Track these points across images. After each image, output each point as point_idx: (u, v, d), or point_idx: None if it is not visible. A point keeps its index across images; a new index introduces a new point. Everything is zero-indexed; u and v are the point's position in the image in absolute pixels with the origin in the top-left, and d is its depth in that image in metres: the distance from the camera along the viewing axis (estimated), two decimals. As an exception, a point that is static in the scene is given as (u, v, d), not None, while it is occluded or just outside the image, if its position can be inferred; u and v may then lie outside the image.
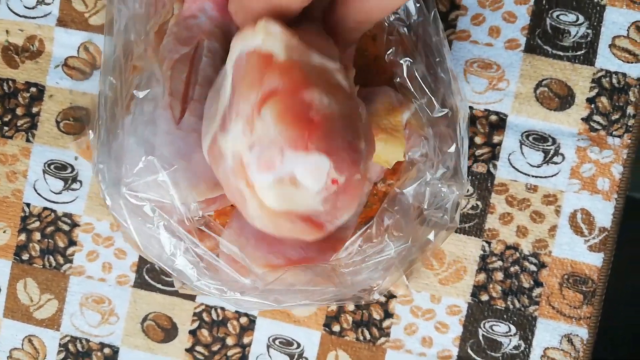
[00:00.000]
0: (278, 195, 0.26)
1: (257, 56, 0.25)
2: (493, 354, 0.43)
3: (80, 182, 0.46)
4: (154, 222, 0.30)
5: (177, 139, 0.30)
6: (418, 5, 0.34)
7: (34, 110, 0.46)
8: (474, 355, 0.43)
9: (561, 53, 0.43)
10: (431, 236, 0.31)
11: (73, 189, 0.46)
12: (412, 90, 0.31)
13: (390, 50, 0.31)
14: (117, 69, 0.33)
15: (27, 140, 0.46)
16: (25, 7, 0.46)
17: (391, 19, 0.33)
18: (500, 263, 0.43)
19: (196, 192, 0.30)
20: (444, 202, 0.31)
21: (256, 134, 0.25)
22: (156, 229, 0.31)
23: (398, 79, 0.31)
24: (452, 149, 0.31)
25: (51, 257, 0.46)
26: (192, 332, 0.45)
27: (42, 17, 0.46)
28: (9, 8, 0.47)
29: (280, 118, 0.25)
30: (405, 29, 0.33)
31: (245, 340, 0.45)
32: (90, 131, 0.34)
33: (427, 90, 0.31)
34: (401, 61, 0.31)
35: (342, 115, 0.26)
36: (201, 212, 0.31)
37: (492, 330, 0.43)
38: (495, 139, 0.44)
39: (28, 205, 0.46)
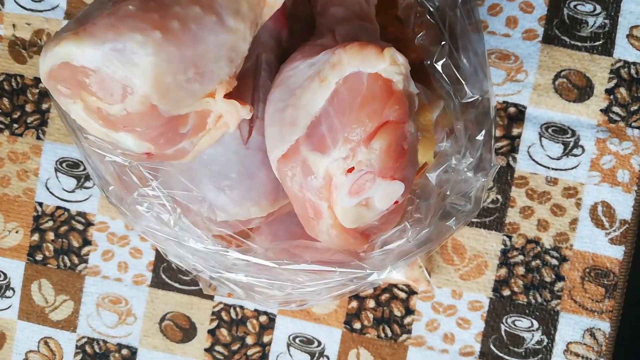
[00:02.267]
0: (354, 215, 0.27)
1: (381, 83, 0.26)
2: (516, 349, 0.43)
3: (94, 181, 0.45)
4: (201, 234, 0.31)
5: (245, 159, 0.31)
6: None
7: (44, 106, 0.46)
8: (496, 351, 0.43)
9: (579, 43, 0.43)
10: (452, 223, 0.31)
11: (86, 187, 0.45)
12: (444, 76, 0.30)
13: (421, 34, 0.31)
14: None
15: (38, 138, 0.46)
16: (32, 0, 0.45)
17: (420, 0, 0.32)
18: (521, 257, 0.43)
19: (258, 208, 0.31)
20: (468, 189, 0.31)
21: (356, 160, 0.27)
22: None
23: (428, 63, 0.30)
24: (481, 136, 0.31)
25: (66, 257, 0.46)
26: (211, 332, 0.45)
27: (49, 10, 0.45)
28: (15, 1, 0.46)
29: (387, 150, 0.26)
30: (434, 10, 0.32)
31: (265, 339, 0.44)
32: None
33: (458, 75, 0.30)
34: (432, 47, 0.30)
35: (416, 142, 0.28)
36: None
37: (515, 325, 0.43)
38: (515, 131, 0.43)
39: (40, 204, 0.46)
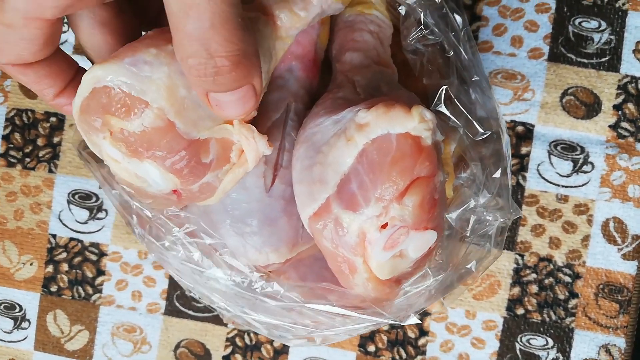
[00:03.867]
0: (390, 268, 0.28)
1: (411, 141, 0.26)
2: (531, 367, 0.43)
3: (106, 210, 0.46)
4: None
5: (266, 207, 0.31)
6: (449, 22, 0.34)
7: (55, 140, 0.46)
8: (512, 370, 0.43)
9: (585, 60, 0.43)
10: (472, 266, 0.31)
11: (99, 218, 0.46)
12: (452, 116, 0.31)
13: (426, 74, 0.31)
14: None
15: (50, 171, 0.46)
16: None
17: (421, 35, 0.33)
18: (534, 275, 0.43)
19: (277, 255, 0.31)
20: (487, 229, 0.31)
21: (389, 216, 0.27)
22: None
23: (436, 107, 0.31)
24: (498, 174, 0.31)
25: (80, 288, 0.46)
26: (226, 358, 0.45)
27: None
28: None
29: (420, 205, 0.26)
30: (437, 45, 0.33)
31: (280, 364, 0.45)
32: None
33: (466, 113, 0.31)
34: (441, 81, 0.30)
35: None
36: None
37: (529, 344, 0.43)
38: (523, 150, 0.43)
39: (54, 236, 0.46)
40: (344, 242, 0.27)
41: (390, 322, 0.30)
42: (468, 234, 0.31)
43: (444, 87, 0.30)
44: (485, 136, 0.31)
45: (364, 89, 0.30)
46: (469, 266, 0.31)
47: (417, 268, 0.29)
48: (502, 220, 0.31)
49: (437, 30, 0.31)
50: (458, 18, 0.32)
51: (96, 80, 0.27)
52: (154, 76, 0.26)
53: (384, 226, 0.27)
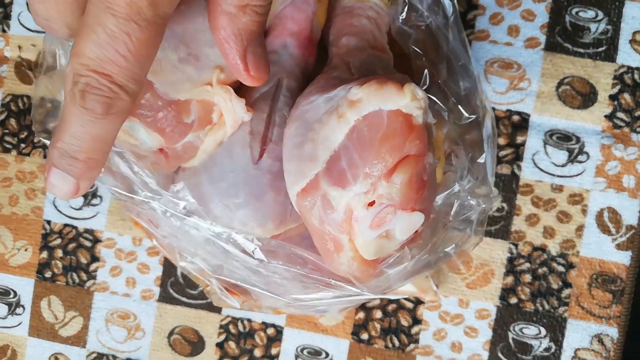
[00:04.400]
0: (375, 248, 0.27)
1: (402, 118, 0.26)
2: (524, 356, 0.43)
3: (101, 197, 0.46)
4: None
5: (253, 179, 0.31)
6: (439, 6, 0.34)
7: (51, 126, 0.46)
8: (504, 359, 0.43)
9: (582, 50, 0.43)
10: (451, 250, 0.31)
11: (93, 205, 0.46)
12: (437, 100, 0.31)
13: (415, 57, 0.31)
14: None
15: (45, 157, 0.46)
16: (37, 22, 0.46)
17: (412, 21, 0.33)
18: (528, 265, 0.43)
19: (262, 230, 0.31)
20: (469, 214, 0.31)
21: (376, 194, 0.26)
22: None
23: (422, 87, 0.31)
24: (483, 158, 0.31)
25: (74, 274, 0.46)
26: (219, 345, 0.45)
27: (54, 32, 0.46)
28: (20, 23, 0.46)
29: (408, 183, 0.26)
30: (426, 30, 0.33)
31: (273, 351, 0.45)
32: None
33: (452, 97, 0.31)
34: (432, 68, 0.30)
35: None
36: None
37: (522, 333, 0.43)
38: (519, 139, 0.43)
39: (49, 222, 0.46)
40: (330, 219, 0.27)
41: (365, 295, 0.30)
42: (450, 219, 0.31)
43: (426, 71, 0.30)
44: (469, 120, 0.31)
45: (358, 69, 0.30)
46: (448, 249, 0.31)
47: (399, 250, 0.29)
48: (483, 206, 0.31)
49: (425, 12, 0.31)
50: (448, 2, 0.32)
51: None
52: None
53: (372, 204, 0.27)
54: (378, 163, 0.26)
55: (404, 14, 0.32)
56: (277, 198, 0.31)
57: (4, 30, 0.46)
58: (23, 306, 0.46)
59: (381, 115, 0.26)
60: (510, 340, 0.43)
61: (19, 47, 0.46)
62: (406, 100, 0.26)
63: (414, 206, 0.27)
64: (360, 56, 0.30)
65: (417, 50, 0.31)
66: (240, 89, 0.32)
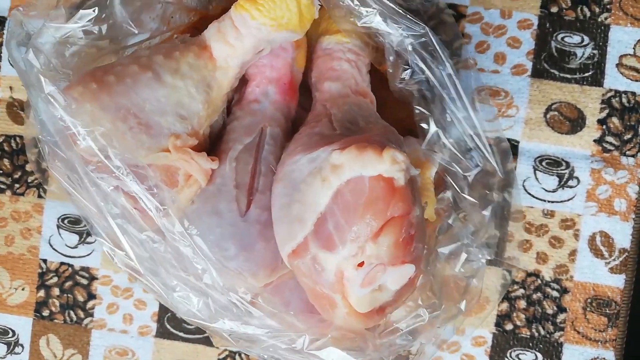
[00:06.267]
0: (369, 301, 0.28)
1: (383, 183, 0.26)
2: (521, 383, 0.43)
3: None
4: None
5: (241, 232, 0.31)
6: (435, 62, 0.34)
7: (44, 165, 0.46)
8: (502, 386, 0.43)
9: (569, 76, 0.43)
10: (462, 305, 0.31)
11: (88, 242, 0.46)
12: (441, 154, 0.31)
13: (417, 111, 0.32)
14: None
15: (39, 197, 0.46)
16: (28, 60, 0.46)
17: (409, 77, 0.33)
18: (522, 291, 0.43)
19: (256, 279, 0.31)
20: (476, 266, 0.31)
21: (365, 255, 0.27)
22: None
23: (425, 146, 0.31)
24: (488, 211, 0.31)
25: (72, 312, 0.46)
26: (218, 379, 0.45)
27: (45, 71, 0.46)
28: (11, 64, 0.47)
29: (395, 244, 0.27)
30: (425, 83, 0.33)
31: (272, 384, 0.45)
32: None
33: (456, 151, 0.31)
34: (423, 124, 0.31)
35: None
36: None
37: (519, 359, 0.43)
38: (508, 166, 0.43)
39: (45, 261, 0.46)
40: (322, 279, 0.28)
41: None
42: (456, 270, 0.31)
43: (435, 129, 0.31)
44: (475, 172, 0.31)
45: (341, 123, 0.30)
46: (460, 305, 0.31)
47: (399, 297, 0.29)
48: (483, 262, 0.31)
49: (423, 67, 0.31)
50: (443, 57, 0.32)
51: None
52: (80, 111, 0.31)
53: (361, 264, 0.27)
54: (364, 228, 0.26)
55: (406, 74, 0.32)
56: (268, 246, 0.31)
57: (-5, 71, 0.47)
58: (22, 345, 0.47)
59: (363, 181, 0.26)
60: (507, 367, 0.43)
61: (10, 88, 0.47)
62: (386, 165, 0.26)
63: (403, 260, 0.27)
64: (343, 105, 0.31)
65: (421, 110, 0.32)
66: (216, 149, 0.33)
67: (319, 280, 0.28)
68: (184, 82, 0.31)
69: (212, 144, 0.33)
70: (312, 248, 0.28)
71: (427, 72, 0.31)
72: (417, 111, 0.32)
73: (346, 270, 0.27)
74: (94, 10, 0.30)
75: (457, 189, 0.32)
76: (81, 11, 0.30)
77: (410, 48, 0.31)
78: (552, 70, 0.43)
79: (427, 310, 0.29)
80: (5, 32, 0.46)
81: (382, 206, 0.26)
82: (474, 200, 0.32)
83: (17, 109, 0.47)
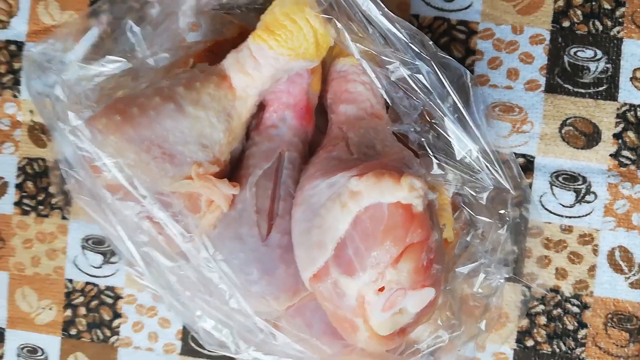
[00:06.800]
0: (390, 325, 0.29)
1: (402, 210, 0.27)
2: (542, 399, 0.43)
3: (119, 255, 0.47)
4: None
5: (263, 256, 0.32)
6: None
7: (66, 188, 0.48)
8: (523, 402, 0.43)
9: (583, 90, 0.43)
10: (483, 325, 0.32)
11: (112, 262, 0.47)
12: (457, 173, 0.32)
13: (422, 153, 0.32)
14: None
15: (63, 218, 0.48)
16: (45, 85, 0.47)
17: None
18: (542, 307, 0.43)
19: (278, 303, 0.32)
20: (494, 284, 0.32)
21: (385, 280, 0.28)
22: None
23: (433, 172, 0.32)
24: (503, 231, 0.31)
25: (98, 331, 0.47)
26: (240, 397, 0.46)
27: (69, 97, 0.47)
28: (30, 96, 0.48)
29: (414, 269, 0.27)
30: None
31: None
32: None
33: (468, 174, 0.31)
34: (430, 156, 0.31)
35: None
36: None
37: (540, 375, 0.43)
38: (523, 182, 0.44)
39: (70, 281, 0.48)
40: (343, 303, 0.28)
41: None
42: (474, 290, 0.32)
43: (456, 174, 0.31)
44: (488, 193, 0.31)
45: (357, 147, 0.30)
46: (479, 324, 0.32)
47: (419, 319, 0.29)
48: (502, 281, 0.31)
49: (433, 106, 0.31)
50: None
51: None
52: (105, 142, 0.32)
53: (382, 289, 0.27)
54: (383, 254, 0.27)
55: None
56: (289, 270, 0.32)
57: (15, 96, 0.48)
58: (50, 364, 0.48)
59: (381, 208, 0.27)
60: (528, 383, 0.43)
61: (31, 112, 0.48)
62: (404, 192, 0.27)
63: (423, 283, 0.27)
64: (359, 129, 0.31)
65: (430, 153, 0.32)
66: (236, 174, 0.33)
67: (340, 305, 0.28)
68: (205, 112, 0.32)
69: (232, 169, 0.34)
70: (333, 273, 0.28)
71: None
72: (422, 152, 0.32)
73: (367, 295, 0.28)
74: (122, 59, 0.32)
75: (470, 211, 0.32)
76: (108, 57, 0.31)
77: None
78: (565, 85, 0.43)
79: (447, 332, 0.30)
80: (23, 67, 0.47)
81: (401, 233, 0.27)
82: (489, 220, 0.32)
83: (38, 132, 0.48)
